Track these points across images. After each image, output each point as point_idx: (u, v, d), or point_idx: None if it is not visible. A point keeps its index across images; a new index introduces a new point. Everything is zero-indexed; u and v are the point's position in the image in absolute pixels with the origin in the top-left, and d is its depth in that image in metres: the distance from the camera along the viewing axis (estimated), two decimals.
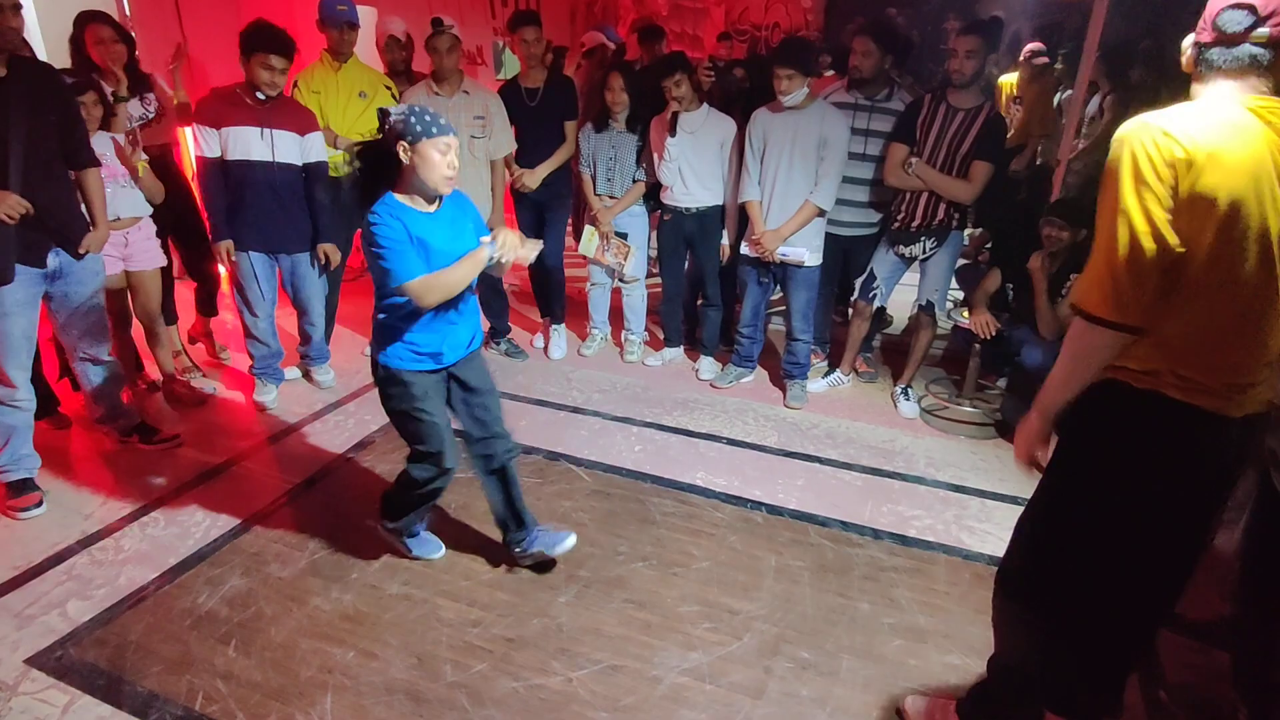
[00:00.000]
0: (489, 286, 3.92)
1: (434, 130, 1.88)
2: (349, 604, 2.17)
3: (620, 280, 3.88)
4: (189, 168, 3.52)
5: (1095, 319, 1.28)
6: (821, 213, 3.26)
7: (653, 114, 3.55)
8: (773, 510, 2.68)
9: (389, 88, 3.52)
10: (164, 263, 3.15)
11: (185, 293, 3.75)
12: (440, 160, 1.90)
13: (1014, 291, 3.29)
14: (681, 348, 4.04)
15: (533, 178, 3.65)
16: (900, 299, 3.79)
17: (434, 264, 1.94)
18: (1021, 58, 4.81)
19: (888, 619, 2.16)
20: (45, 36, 3.59)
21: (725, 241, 3.59)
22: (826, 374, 3.74)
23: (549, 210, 3.83)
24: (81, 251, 2.54)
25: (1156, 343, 1.29)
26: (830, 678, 1.96)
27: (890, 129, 3.23)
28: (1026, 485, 2.94)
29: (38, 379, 3.00)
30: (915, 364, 3.50)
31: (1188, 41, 1.32)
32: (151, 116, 3.24)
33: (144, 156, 2.93)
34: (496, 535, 2.48)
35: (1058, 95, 4.79)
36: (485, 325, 4.12)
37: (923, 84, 4.87)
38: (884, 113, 3.26)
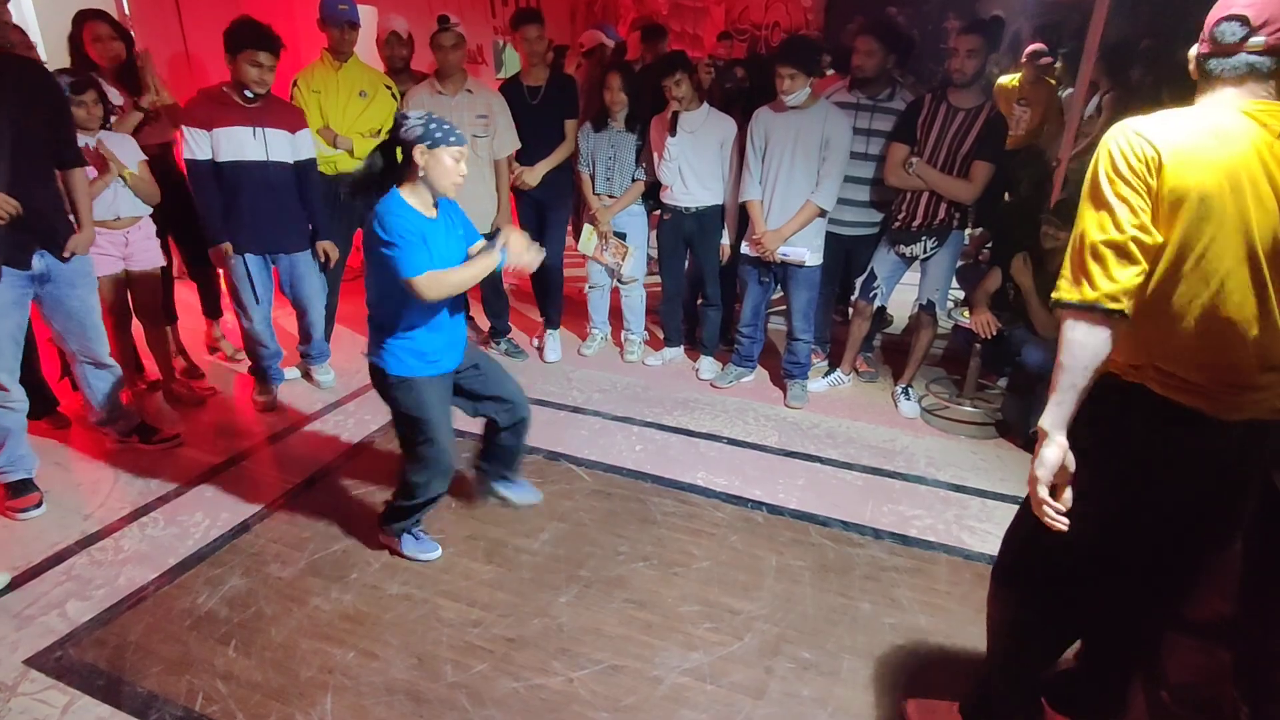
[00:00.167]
0: (489, 286, 3.92)
1: (451, 139, 1.99)
2: (349, 604, 2.17)
3: (618, 280, 3.88)
4: None
5: (1075, 304, 1.31)
6: (822, 213, 3.26)
7: (653, 113, 3.55)
8: (773, 510, 2.68)
9: (389, 87, 3.52)
10: (163, 262, 3.14)
11: (185, 294, 3.74)
12: (453, 166, 2.01)
13: (1014, 291, 3.29)
14: (681, 347, 4.03)
15: (533, 175, 3.65)
16: (901, 298, 3.79)
17: (434, 267, 1.99)
18: (1024, 59, 4.80)
19: (889, 619, 2.16)
20: (45, 36, 3.58)
21: (725, 241, 3.58)
22: (827, 374, 3.74)
23: (550, 209, 3.83)
24: (67, 254, 2.49)
25: (1140, 337, 1.32)
26: (831, 678, 1.96)
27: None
28: (1026, 486, 2.94)
29: (36, 379, 3.01)
30: (916, 364, 3.50)
31: (1193, 52, 1.35)
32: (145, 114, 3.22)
33: (135, 161, 2.90)
34: (498, 535, 2.49)
35: (1060, 94, 4.79)
36: (485, 325, 4.13)
37: (924, 84, 4.87)
38: (886, 112, 3.25)
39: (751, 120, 3.29)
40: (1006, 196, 4.14)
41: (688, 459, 3.02)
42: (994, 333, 3.20)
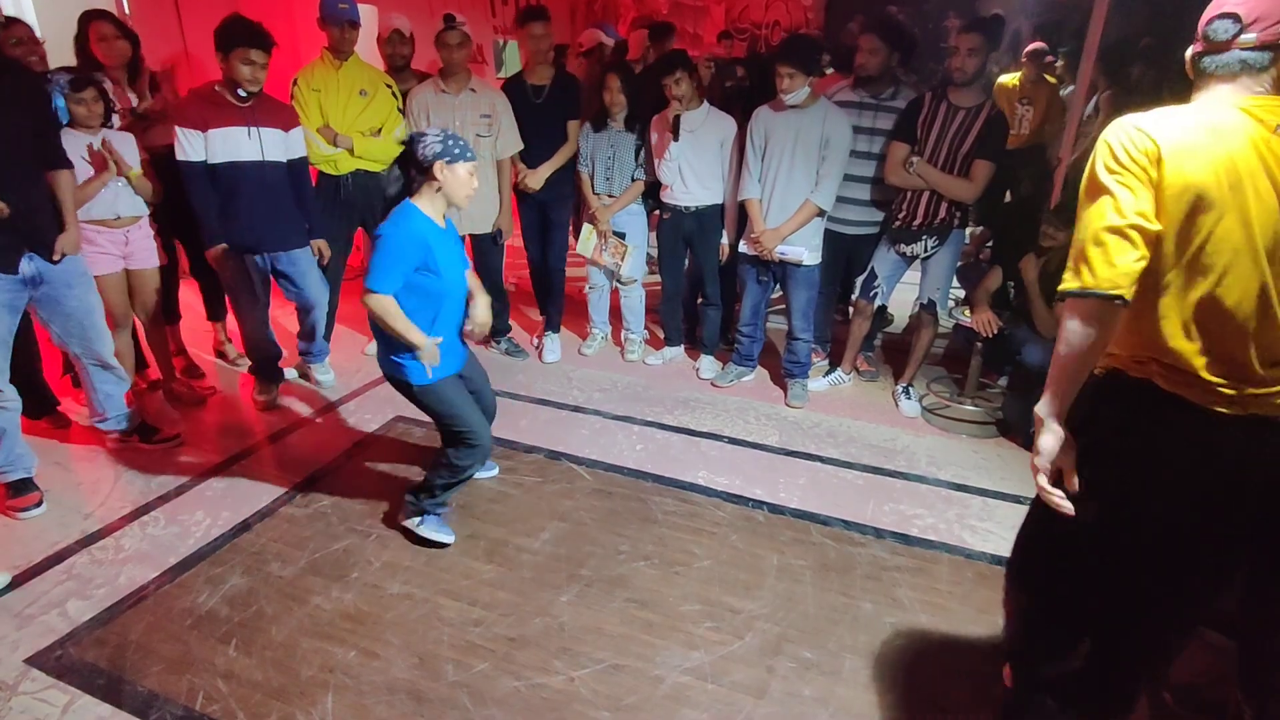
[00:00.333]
0: (490, 286, 3.91)
1: (468, 155, 2.17)
2: (350, 603, 2.17)
3: (617, 281, 3.87)
4: None
5: (1075, 292, 1.31)
6: (821, 212, 3.26)
7: (653, 113, 3.55)
8: (774, 509, 2.67)
9: (389, 86, 3.51)
10: (163, 261, 3.13)
11: (186, 294, 3.73)
12: (467, 180, 2.19)
13: (1015, 290, 3.29)
14: (682, 347, 4.03)
15: (536, 178, 3.64)
16: (901, 298, 3.78)
17: (439, 274, 2.17)
18: (1025, 57, 4.80)
19: (890, 618, 2.16)
20: (44, 35, 3.57)
21: (725, 241, 3.58)
22: (828, 373, 3.73)
23: (552, 210, 3.82)
24: (56, 257, 2.48)
25: (1144, 332, 1.32)
26: (833, 677, 1.96)
27: None
28: (1029, 484, 2.94)
29: (37, 379, 3.01)
30: (916, 363, 3.50)
31: (1189, 51, 1.37)
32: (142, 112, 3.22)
33: (136, 161, 2.90)
34: (499, 535, 2.49)
35: (1061, 92, 4.78)
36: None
37: (925, 83, 4.86)
38: (890, 111, 3.25)
39: (751, 119, 3.29)
40: (1008, 196, 4.13)
41: (688, 458, 3.01)
42: (995, 332, 3.20)
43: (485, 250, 3.76)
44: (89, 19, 3.05)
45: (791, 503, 2.71)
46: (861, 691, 1.92)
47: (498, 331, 4.05)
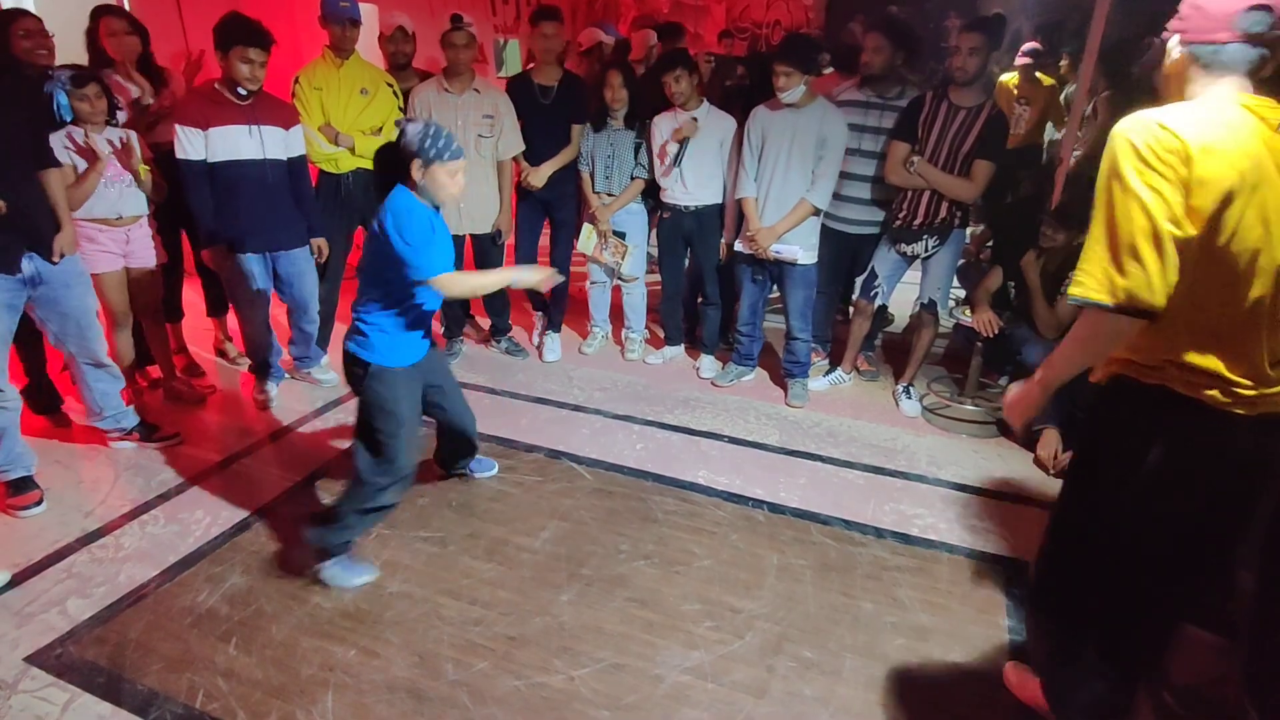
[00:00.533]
0: None
1: (445, 155, 2.00)
2: (350, 602, 2.17)
3: (618, 279, 3.87)
4: None
5: (1107, 308, 1.26)
6: (817, 211, 3.26)
7: (653, 113, 3.54)
8: (775, 509, 2.67)
9: (390, 85, 3.51)
10: (163, 260, 3.13)
11: (189, 293, 3.73)
12: (448, 182, 2.04)
13: (1016, 290, 3.28)
14: (682, 346, 4.03)
15: (538, 176, 3.63)
16: (902, 297, 3.78)
17: (443, 258, 2.06)
18: (1018, 61, 4.81)
19: (890, 618, 2.16)
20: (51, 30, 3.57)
21: (725, 240, 3.58)
22: (828, 372, 3.73)
23: (556, 211, 3.81)
24: (56, 258, 2.48)
25: (1163, 334, 1.29)
26: (833, 677, 1.95)
27: None
28: (1030, 485, 2.94)
29: (43, 377, 3.00)
30: (917, 362, 3.50)
31: (1174, 42, 1.34)
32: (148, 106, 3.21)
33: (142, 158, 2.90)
34: (499, 534, 2.49)
35: (1064, 91, 4.79)
36: (486, 323, 4.13)
37: (928, 82, 4.87)
38: (896, 111, 3.24)
39: (749, 118, 3.29)
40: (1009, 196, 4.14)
41: (689, 457, 3.01)
42: (995, 331, 3.20)
43: (485, 250, 3.76)
44: (100, 14, 3.06)
45: (792, 502, 2.71)
46: (862, 691, 1.91)
47: (498, 330, 4.05)
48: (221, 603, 2.15)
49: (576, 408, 3.43)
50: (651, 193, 3.69)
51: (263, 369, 3.38)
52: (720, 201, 3.54)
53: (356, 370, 2.13)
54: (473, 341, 4.16)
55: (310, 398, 3.44)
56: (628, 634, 2.08)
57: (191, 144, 2.89)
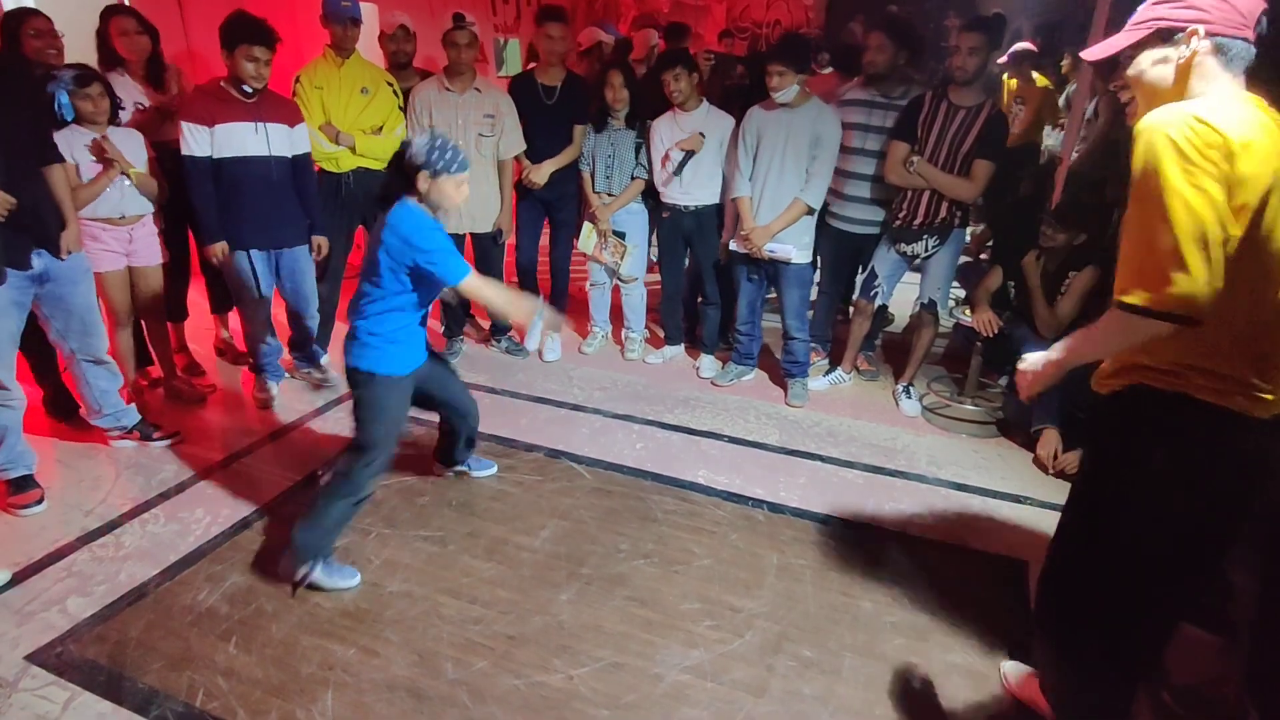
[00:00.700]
0: None
1: (453, 168, 2.06)
2: (349, 601, 2.17)
3: (618, 279, 3.87)
4: None
5: (1148, 312, 1.20)
6: (811, 211, 3.26)
7: (654, 114, 3.54)
8: (774, 508, 2.67)
9: (391, 84, 3.51)
10: (165, 258, 3.13)
11: (192, 292, 3.73)
12: (454, 193, 2.11)
13: (1016, 290, 3.28)
14: (682, 346, 4.03)
15: (539, 174, 3.62)
16: (902, 297, 3.78)
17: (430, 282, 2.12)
18: (1000, 60, 4.82)
19: (890, 617, 2.16)
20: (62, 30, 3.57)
21: (723, 240, 3.58)
22: (828, 372, 3.73)
23: (556, 211, 3.81)
24: (64, 255, 2.49)
25: (1189, 338, 1.23)
26: (833, 676, 1.96)
27: None
28: (1029, 484, 2.95)
29: (57, 381, 2.99)
30: (917, 362, 3.50)
31: (1202, 30, 1.26)
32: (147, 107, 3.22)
33: (142, 159, 2.89)
34: (499, 533, 2.49)
35: (1065, 90, 4.79)
36: (486, 323, 4.13)
37: (930, 82, 4.87)
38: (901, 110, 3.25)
39: (744, 118, 3.29)
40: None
41: (689, 457, 3.01)
42: (995, 331, 3.20)
43: (486, 249, 3.76)
44: (110, 14, 3.07)
45: (791, 502, 2.71)
46: (861, 690, 1.92)
47: (498, 330, 4.05)
48: (222, 601, 2.15)
49: (576, 407, 3.43)
50: (652, 193, 3.69)
51: (263, 368, 3.38)
52: (720, 201, 3.54)
53: (356, 376, 2.17)
54: (473, 341, 4.16)
55: (310, 397, 3.44)
56: (627, 633, 2.08)
57: (197, 140, 2.90)
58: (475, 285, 2.12)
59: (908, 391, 3.50)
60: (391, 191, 2.12)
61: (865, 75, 3.36)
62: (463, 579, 2.27)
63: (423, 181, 2.04)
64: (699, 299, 3.90)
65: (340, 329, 3.86)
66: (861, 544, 2.49)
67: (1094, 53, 1.44)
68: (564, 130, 3.65)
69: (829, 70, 4.47)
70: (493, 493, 2.72)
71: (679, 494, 2.75)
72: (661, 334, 4.10)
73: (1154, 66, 1.33)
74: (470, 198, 3.44)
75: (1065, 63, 5.11)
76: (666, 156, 3.48)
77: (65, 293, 2.55)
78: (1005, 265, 3.32)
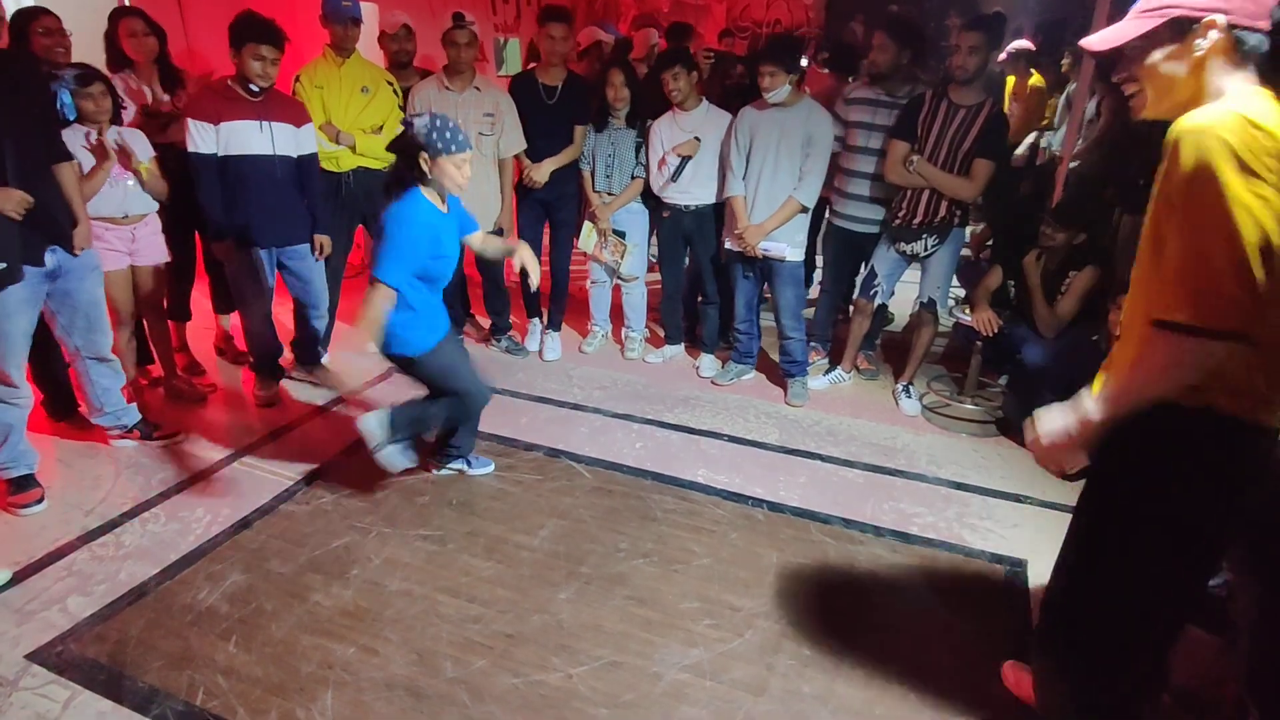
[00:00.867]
0: (491, 283, 3.92)
1: (452, 147, 2.11)
2: (349, 600, 2.17)
3: (618, 278, 3.88)
4: None
5: (1206, 332, 1.13)
6: (804, 209, 3.27)
7: (654, 114, 3.54)
8: (774, 507, 2.67)
9: (391, 83, 3.51)
10: (167, 258, 3.14)
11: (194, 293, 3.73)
12: (455, 174, 2.16)
13: (1016, 289, 3.28)
14: (682, 345, 4.03)
15: (540, 172, 3.62)
16: (902, 296, 3.78)
17: (438, 259, 2.21)
18: (1006, 57, 4.81)
19: (890, 616, 2.16)
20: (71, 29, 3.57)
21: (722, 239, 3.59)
22: (828, 371, 3.73)
23: (556, 211, 3.81)
24: (77, 251, 2.51)
25: (1231, 352, 1.17)
26: (832, 675, 1.96)
27: None
28: (1029, 483, 2.94)
29: (60, 379, 2.99)
30: (917, 361, 3.50)
31: (1221, 20, 1.18)
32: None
33: (147, 157, 2.90)
34: (498, 532, 2.49)
35: (1066, 89, 4.78)
36: (486, 322, 4.13)
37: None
38: None
39: (736, 118, 3.30)
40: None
41: (688, 456, 3.01)
42: (995, 330, 3.20)
43: None
44: (119, 15, 3.09)
45: (791, 501, 2.72)
46: (861, 689, 1.92)
47: (498, 329, 4.05)
48: (222, 600, 2.15)
49: (576, 406, 3.43)
50: (652, 193, 3.69)
51: (264, 367, 3.38)
52: (720, 201, 3.54)
53: (398, 361, 2.39)
54: (473, 340, 4.16)
55: (311, 396, 3.44)
56: (626, 632, 2.08)
57: (203, 138, 2.91)
58: (375, 295, 2.17)
59: (907, 391, 3.50)
60: (395, 177, 2.17)
61: (869, 75, 3.36)
62: (462, 578, 2.28)
63: (424, 161, 2.08)
64: (699, 298, 3.90)
65: (341, 328, 3.88)
66: (861, 543, 2.49)
67: (1098, 42, 1.32)
68: (564, 130, 3.65)
69: (825, 71, 4.46)
70: (492, 492, 2.72)
71: (679, 493, 2.75)
72: (661, 333, 4.10)
73: (1168, 59, 1.25)
74: (470, 197, 3.46)
75: (1065, 62, 5.10)
76: (663, 160, 3.48)
77: (73, 288, 2.56)
78: (1005, 264, 3.32)
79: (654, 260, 4.18)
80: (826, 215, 3.74)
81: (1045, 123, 4.71)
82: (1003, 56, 4.84)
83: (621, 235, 3.72)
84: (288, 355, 3.57)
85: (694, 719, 1.82)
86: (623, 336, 4.06)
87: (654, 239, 3.97)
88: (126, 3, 3.54)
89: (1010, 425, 3.26)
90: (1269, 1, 1.18)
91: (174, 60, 3.31)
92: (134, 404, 2.97)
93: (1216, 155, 1.09)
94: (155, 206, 3.01)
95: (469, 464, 2.80)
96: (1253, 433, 1.24)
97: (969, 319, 3.28)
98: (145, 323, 3.22)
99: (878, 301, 3.45)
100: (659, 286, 3.96)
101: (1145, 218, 1.29)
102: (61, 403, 3.02)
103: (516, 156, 3.66)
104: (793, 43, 3.32)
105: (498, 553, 2.39)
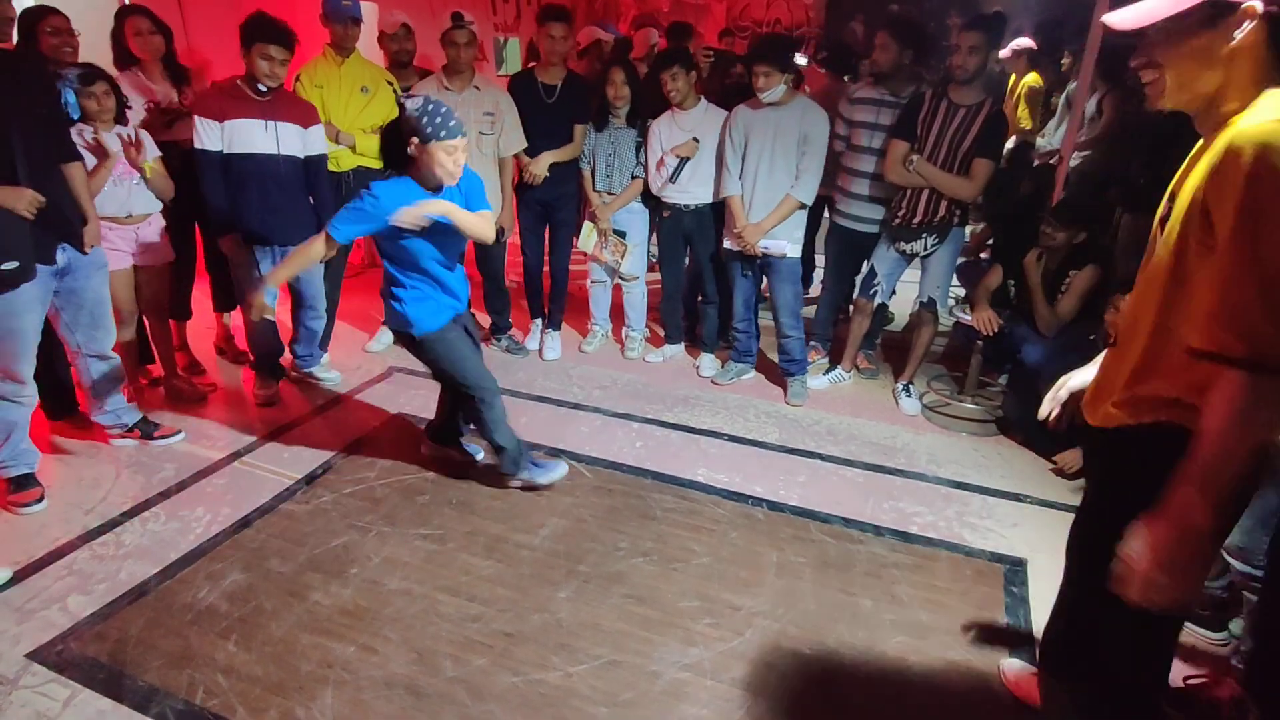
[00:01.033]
0: (491, 283, 3.92)
1: (443, 133, 2.03)
2: (349, 599, 2.17)
3: (619, 277, 3.88)
4: None
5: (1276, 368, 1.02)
6: (802, 206, 3.27)
7: (654, 114, 3.54)
8: (774, 506, 2.67)
9: (391, 83, 3.52)
10: (170, 258, 3.14)
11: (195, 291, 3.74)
12: (446, 160, 2.08)
13: (1016, 288, 3.28)
14: (682, 344, 4.03)
15: (539, 165, 3.60)
16: (902, 296, 3.78)
17: (434, 231, 2.22)
18: (1009, 54, 4.80)
19: (889, 615, 2.16)
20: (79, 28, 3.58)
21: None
22: (828, 370, 3.73)
23: (556, 211, 3.80)
24: (87, 249, 2.52)
25: None
26: (832, 674, 1.96)
27: None
28: (1029, 482, 2.94)
29: (61, 378, 2.99)
30: (916, 361, 3.50)
31: (1260, 6, 1.09)
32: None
33: (152, 155, 2.91)
34: (498, 531, 2.49)
35: (1066, 89, 4.77)
36: (486, 322, 4.13)
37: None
38: None
39: (731, 117, 3.30)
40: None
41: (688, 455, 3.01)
42: (995, 330, 3.20)
43: (487, 247, 3.75)
44: (125, 14, 3.09)
45: (791, 500, 2.72)
46: (861, 689, 1.92)
47: (498, 329, 4.05)
48: (221, 600, 2.16)
49: (576, 406, 3.43)
50: (652, 194, 3.69)
51: (264, 366, 3.38)
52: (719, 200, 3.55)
53: (402, 339, 2.41)
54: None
55: (311, 396, 3.44)
56: (626, 631, 2.08)
57: (209, 135, 2.92)
58: (311, 244, 2.25)
59: (908, 390, 3.50)
60: (387, 161, 2.17)
61: (872, 74, 3.36)
62: (462, 577, 2.28)
63: (413, 148, 2.03)
64: (699, 298, 3.90)
65: (341, 328, 3.88)
66: (861, 542, 2.49)
67: (1122, 21, 1.19)
68: (564, 129, 3.65)
69: (824, 71, 4.46)
70: (492, 491, 2.72)
71: (678, 492, 2.75)
72: (661, 333, 4.10)
73: (1197, 46, 1.15)
74: None
75: (1065, 61, 5.10)
76: (662, 161, 3.48)
77: (80, 285, 2.57)
78: (1005, 264, 3.32)
79: (654, 260, 4.18)
80: (828, 214, 3.75)
81: (1029, 127, 4.70)
82: (1005, 54, 4.84)
83: (621, 235, 3.72)
84: (288, 355, 3.57)
85: (693, 718, 1.82)
86: (623, 336, 4.06)
87: (654, 238, 3.98)
88: (129, 1, 3.54)
89: (1010, 425, 3.26)
90: None
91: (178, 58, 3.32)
92: (134, 403, 2.97)
93: None
94: (159, 206, 3.02)
95: (535, 468, 2.68)
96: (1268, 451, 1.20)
97: (969, 318, 3.28)
98: (146, 322, 3.23)
99: (877, 301, 3.45)
100: (659, 286, 3.96)
101: (1164, 225, 1.22)
102: (62, 402, 3.03)
103: (516, 155, 3.66)
104: (786, 42, 3.33)
105: (497, 552, 2.39)
